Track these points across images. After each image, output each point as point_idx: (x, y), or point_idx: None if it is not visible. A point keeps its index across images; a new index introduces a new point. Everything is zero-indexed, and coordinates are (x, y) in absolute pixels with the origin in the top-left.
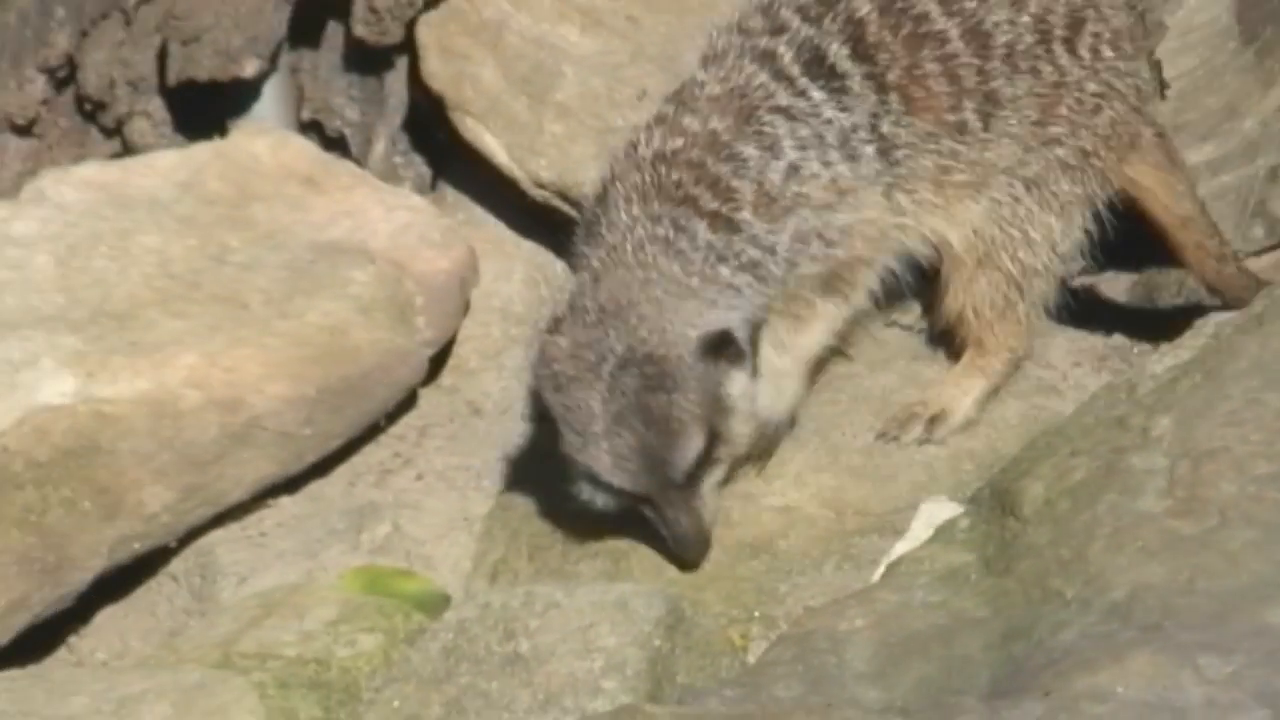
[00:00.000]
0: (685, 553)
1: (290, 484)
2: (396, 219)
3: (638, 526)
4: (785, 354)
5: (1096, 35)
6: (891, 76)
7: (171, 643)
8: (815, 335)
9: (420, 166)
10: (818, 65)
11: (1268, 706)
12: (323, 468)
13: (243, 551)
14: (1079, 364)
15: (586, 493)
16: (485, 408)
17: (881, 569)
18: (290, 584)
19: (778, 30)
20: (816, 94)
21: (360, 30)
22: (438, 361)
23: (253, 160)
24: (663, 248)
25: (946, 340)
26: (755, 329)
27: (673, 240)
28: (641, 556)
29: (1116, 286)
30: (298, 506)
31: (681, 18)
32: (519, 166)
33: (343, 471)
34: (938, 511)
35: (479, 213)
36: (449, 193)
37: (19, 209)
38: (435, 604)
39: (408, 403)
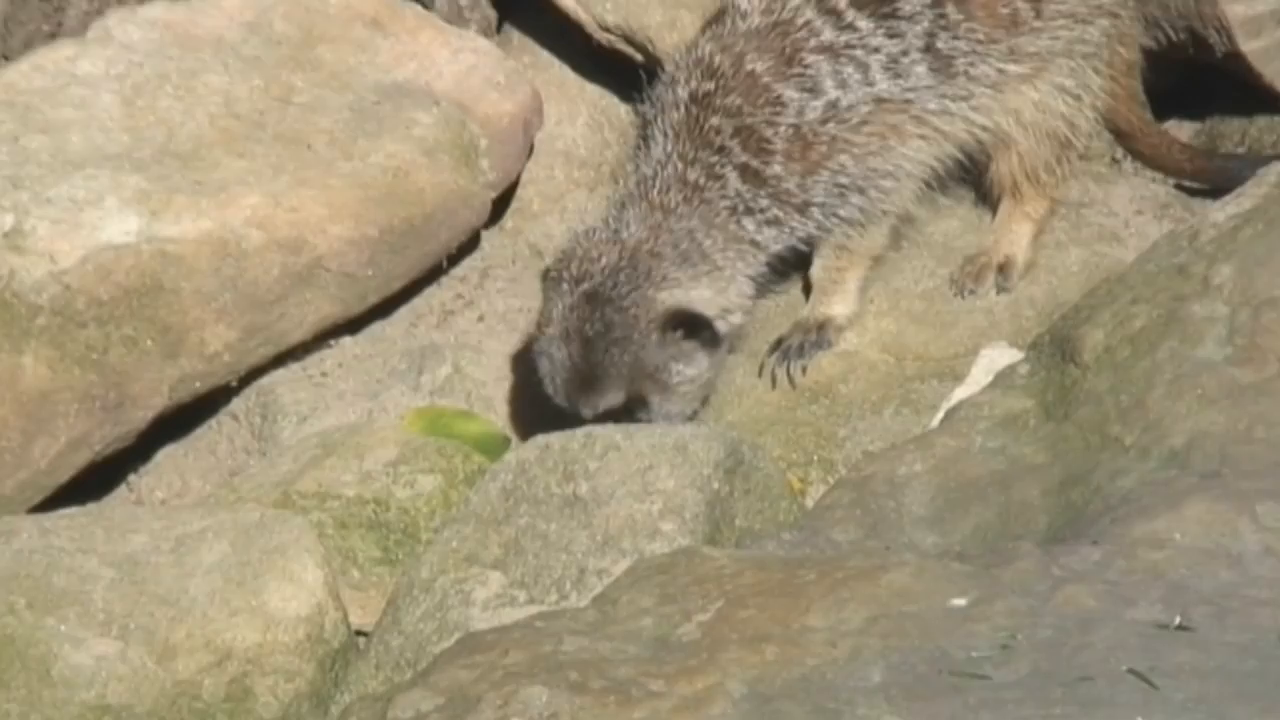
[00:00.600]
0: None
1: (352, 325)
2: (462, 61)
3: None
4: (835, 272)
5: None
6: None
7: (231, 482)
8: (862, 265)
9: (486, 9)
10: None
11: None
12: (384, 309)
13: (304, 391)
14: (1141, 212)
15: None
16: (547, 250)
17: (941, 414)
18: (350, 424)
19: None
20: (864, 24)
21: None
22: (500, 204)
23: (319, 2)
24: (691, 193)
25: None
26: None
27: (703, 186)
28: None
29: (1178, 134)
30: (359, 347)
31: None
32: (585, 10)
33: (404, 313)
34: (998, 357)
35: (544, 56)
36: (514, 36)
37: (85, 48)
38: (495, 446)
39: (470, 245)
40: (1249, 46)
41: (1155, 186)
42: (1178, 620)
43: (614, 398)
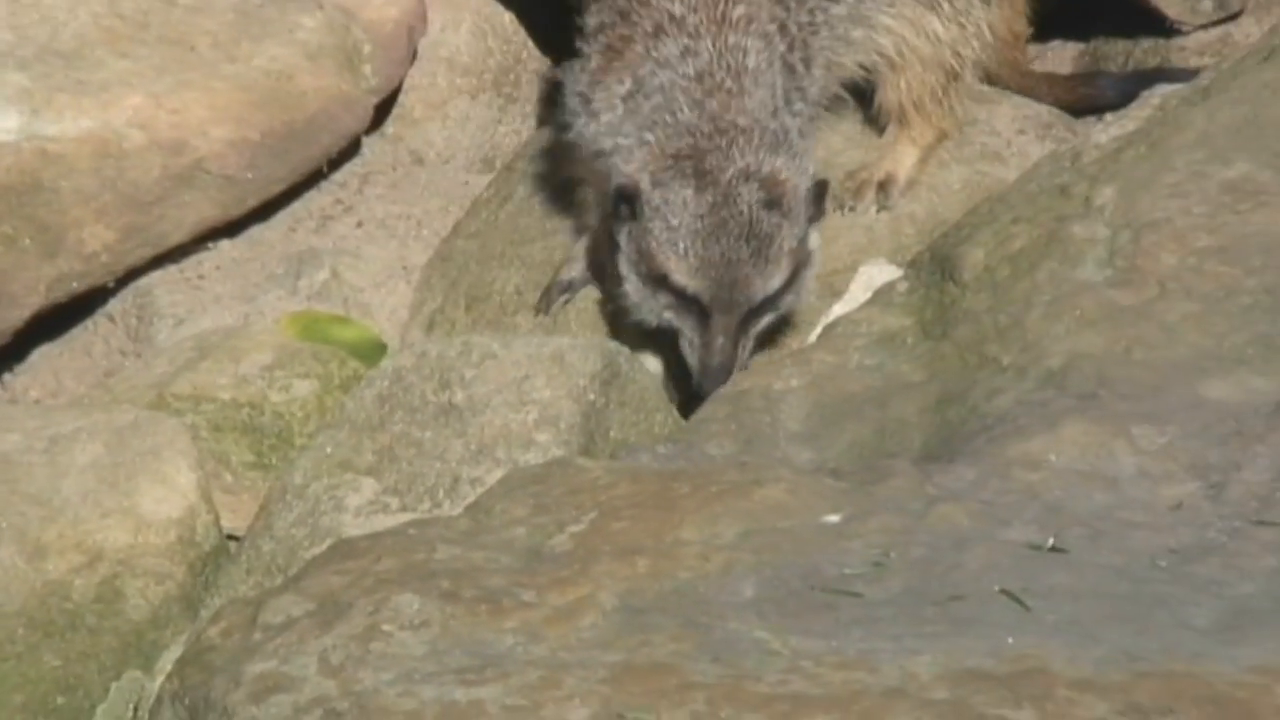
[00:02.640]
0: (707, 380)
1: (230, 228)
2: None
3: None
4: None
5: None
6: None
7: (106, 383)
8: None
9: None
10: None
11: (1199, 479)
12: (263, 212)
13: (181, 294)
14: (1023, 131)
15: (636, 295)
16: (428, 157)
17: (818, 330)
18: (227, 328)
19: None
20: None
21: None
22: (382, 110)
23: None
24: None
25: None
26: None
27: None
28: (579, 311)
29: (1063, 56)
30: (237, 250)
31: None
32: None
33: (283, 217)
34: (877, 274)
35: None
36: None
37: None
38: (371, 352)
39: (351, 150)
40: None
41: (1038, 107)
42: (1051, 541)
43: (782, 275)
